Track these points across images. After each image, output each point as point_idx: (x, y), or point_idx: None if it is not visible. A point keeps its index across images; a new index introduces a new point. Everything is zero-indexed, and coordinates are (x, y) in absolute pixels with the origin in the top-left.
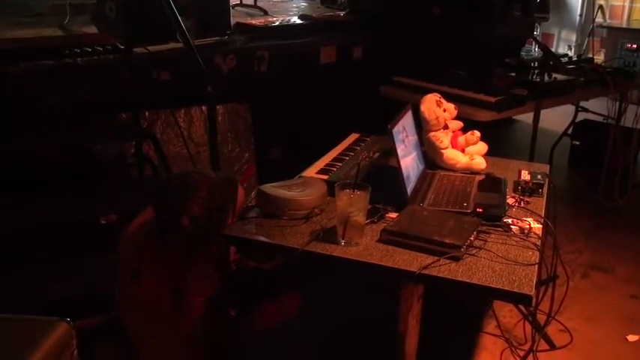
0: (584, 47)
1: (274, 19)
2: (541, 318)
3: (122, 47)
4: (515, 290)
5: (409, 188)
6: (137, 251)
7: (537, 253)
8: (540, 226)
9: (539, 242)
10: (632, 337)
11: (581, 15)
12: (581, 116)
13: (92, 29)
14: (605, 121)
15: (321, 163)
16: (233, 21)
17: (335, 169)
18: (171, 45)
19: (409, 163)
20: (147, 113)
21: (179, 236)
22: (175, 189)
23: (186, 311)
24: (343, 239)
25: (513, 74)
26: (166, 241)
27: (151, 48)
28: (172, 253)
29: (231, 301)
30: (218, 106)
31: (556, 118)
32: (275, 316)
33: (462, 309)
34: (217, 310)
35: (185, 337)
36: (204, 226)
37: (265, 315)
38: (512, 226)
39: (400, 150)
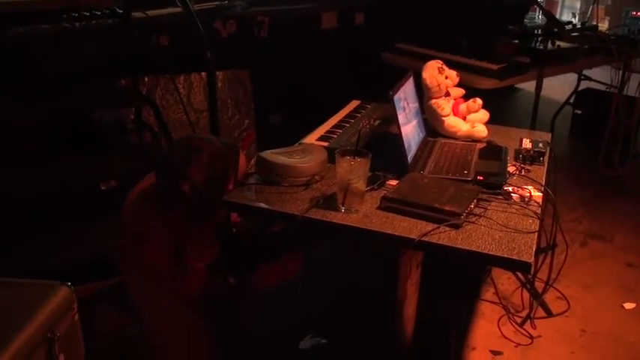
0: (588, 15)
1: None
2: (539, 286)
3: (120, 11)
4: (515, 258)
5: (410, 156)
6: (140, 215)
7: (537, 221)
8: (541, 194)
9: (539, 210)
10: (628, 305)
11: None
12: (584, 85)
13: None
14: (607, 90)
15: (321, 129)
16: None
17: (335, 136)
18: (170, 9)
19: (410, 130)
20: (146, 79)
21: (180, 201)
22: (177, 154)
23: (186, 275)
24: (343, 206)
25: (516, 41)
26: (168, 205)
27: (150, 12)
28: (173, 217)
29: (231, 268)
30: (218, 72)
31: (558, 86)
32: (274, 278)
33: (461, 276)
34: (217, 276)
35: (186, 300)
36: (204, 192)
37: (264, 276)
38: (512, 194)
39: (401, 117)
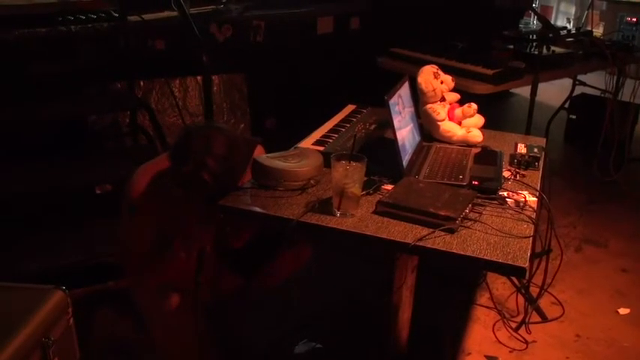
0: (583, 20)
1: None
2: (534, 291)
3: (116, 15)
4: (510, 262)
5: (405, 160)
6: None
7: (532, 226)
8: (535, 199)
9: (534, 215)
10: (623, 310)
11: None
12: (579, 90)
13: None
14: (602, 95)
15: (317, 134)
16: None
17: (331, 141)
18: (166, 13)
19: (405, 134)
20: (142, 83)
21: (199, 188)
22: (197, 143)
23: (169, 259)
24: (339, 210)
25: (511, 47)
26: (186, 191)
27: (146, 16)
28: (185, 203)
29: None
30: (213, 76)
31: (553, 91)
32: (290, 266)
33: (456, 281)
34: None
35: (188, 304)
36: (222, 180)
37: (281, 264)
38: (507, 199)
39: (396, 122)
